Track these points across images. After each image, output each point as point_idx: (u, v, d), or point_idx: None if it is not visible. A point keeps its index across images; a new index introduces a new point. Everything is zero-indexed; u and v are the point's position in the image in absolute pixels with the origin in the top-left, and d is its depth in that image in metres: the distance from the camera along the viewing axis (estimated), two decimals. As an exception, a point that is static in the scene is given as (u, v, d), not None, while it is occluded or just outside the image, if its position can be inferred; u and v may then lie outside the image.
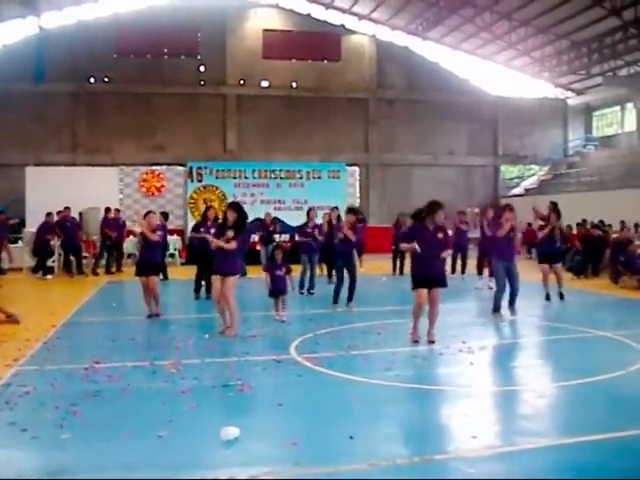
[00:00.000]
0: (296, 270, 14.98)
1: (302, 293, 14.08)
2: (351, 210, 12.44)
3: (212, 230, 11.42)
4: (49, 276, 17.98)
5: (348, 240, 11.73)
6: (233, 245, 9.25)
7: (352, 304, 11.83)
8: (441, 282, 8.89)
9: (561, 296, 12.83)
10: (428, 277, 8.76)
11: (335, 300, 12.02)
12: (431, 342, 8.73)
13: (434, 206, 8.83)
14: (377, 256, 21.60)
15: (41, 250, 18.33)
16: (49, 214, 18.61)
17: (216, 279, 9.46)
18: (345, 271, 11.94)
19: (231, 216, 9.45)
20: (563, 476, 4.47)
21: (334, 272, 16.36)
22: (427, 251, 8.70)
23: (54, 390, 6.35)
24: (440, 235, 8.84)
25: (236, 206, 9.73)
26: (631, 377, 6.94)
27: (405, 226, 17.59)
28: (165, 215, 16.74)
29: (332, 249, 15.55)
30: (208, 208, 14.02)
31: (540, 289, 13.03)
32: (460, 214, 17.54)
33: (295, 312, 11.85)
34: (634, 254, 15.46)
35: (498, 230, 10.81)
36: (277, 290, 10.57)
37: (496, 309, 10.79)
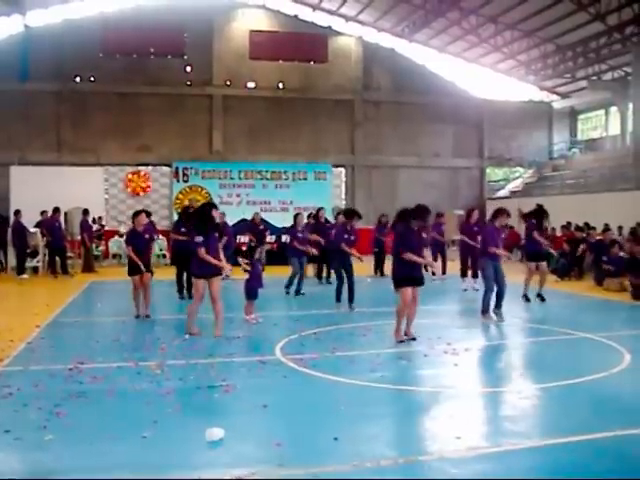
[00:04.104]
0: (283, 271, 15.04)
1: (288, 293, 14.06)
2: (354, 212, 12.53)
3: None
4: (24, 275, 17.90)
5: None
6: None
7: (353, 305, 11.88)
8: (423, 281, 9.08)
9: (541, 298, 12.80)
10: (413, 276, 8.84)
11: (338, 299, 12.08)
12: (412, 339, 8.83)
13: (424, 213, 8.99)
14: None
15: (21, 247, 18.25)
16: (17, 212, 18.78)
17: (199, 282, 9.38)
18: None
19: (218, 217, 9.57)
20: (545, 477, 4.51)
21: (324, 273, 16.54)
22: (413, 251, 8.82)
23: (38, 391, 6.32)
24: (424, 235, 9.03)
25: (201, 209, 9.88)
26: (613, 378, 7.00)
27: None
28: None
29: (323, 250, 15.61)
30: (187, 208, 14.07)
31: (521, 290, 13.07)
32: (438, 217, 17.62)
33: (281, 313, 11.87)
34: (617, 256, 15.60)
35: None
36: (250, 292, 10.47)
37: (485, 310, 10.80)
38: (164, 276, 15.85)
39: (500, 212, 11.01)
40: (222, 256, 9.58)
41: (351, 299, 11.91)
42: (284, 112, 31.54)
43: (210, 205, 9.93)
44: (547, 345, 9.16)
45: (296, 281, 14.14)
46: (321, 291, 14.98)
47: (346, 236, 11.96)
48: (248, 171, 28.08)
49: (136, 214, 11.29)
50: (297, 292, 14.08)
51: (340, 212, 15.95)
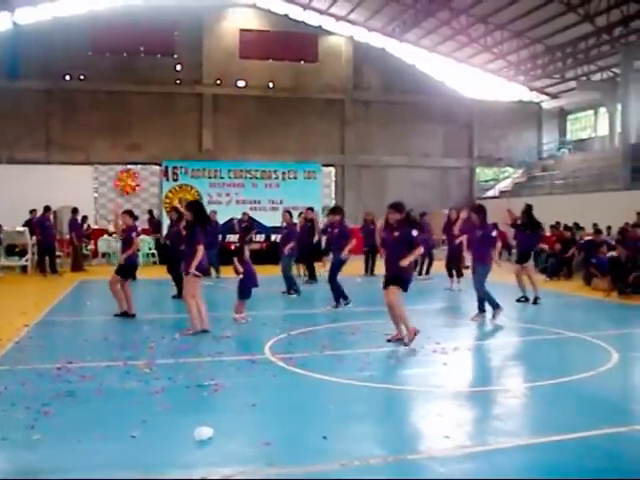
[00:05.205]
0: (272, 270, 15.03)
1: (284, 293, 13.95)
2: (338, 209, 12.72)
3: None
4: None
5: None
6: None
7: (334, 304, 11.86)
8: (392, 280, 8.51)
9: (535, 300, 12.64)
10: (386, 277, 8.70)
11: (341, 298, 11.92)
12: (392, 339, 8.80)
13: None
14: (352, 257, 21.59)
15: None
16: None
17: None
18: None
19: (188, 216, 9.51)
20: (533, 475, 4.53)
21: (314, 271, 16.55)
22: (388, 253, 8.72)
23: (25, 390, 6.28)
24: (396, 234, 8.52)
25: (191, 206, 9.81)
26: (601, 377, 7.04)
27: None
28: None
29: (312, 249, 15.63)
30: (170, 210, 14.13)
31: (514, 290, 13.11)
32: (422, 216, 17.72)
33: (270, 312, 11.84)
34: (604, 256, 15.65)
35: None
36: (243, 291, 10.44)
37: (480, 309, 10.71)
38: (152, 275, 15.83)
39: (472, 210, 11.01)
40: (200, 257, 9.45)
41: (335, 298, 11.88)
42: (274, 111, 31.53)
43: (187, 205, 9.91)
44: (536, 344, 9.20)
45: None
46: (310, 290, 14.97)
47: (329, 230, 12.20)
48: (238, 170, 27.92)
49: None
50: (294, 290, 13.96)
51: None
